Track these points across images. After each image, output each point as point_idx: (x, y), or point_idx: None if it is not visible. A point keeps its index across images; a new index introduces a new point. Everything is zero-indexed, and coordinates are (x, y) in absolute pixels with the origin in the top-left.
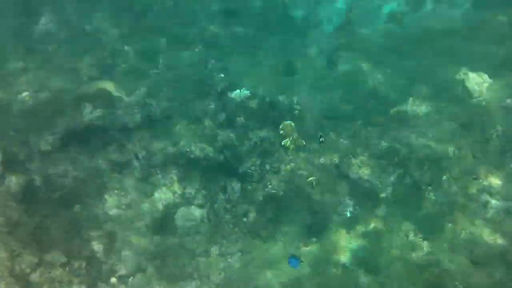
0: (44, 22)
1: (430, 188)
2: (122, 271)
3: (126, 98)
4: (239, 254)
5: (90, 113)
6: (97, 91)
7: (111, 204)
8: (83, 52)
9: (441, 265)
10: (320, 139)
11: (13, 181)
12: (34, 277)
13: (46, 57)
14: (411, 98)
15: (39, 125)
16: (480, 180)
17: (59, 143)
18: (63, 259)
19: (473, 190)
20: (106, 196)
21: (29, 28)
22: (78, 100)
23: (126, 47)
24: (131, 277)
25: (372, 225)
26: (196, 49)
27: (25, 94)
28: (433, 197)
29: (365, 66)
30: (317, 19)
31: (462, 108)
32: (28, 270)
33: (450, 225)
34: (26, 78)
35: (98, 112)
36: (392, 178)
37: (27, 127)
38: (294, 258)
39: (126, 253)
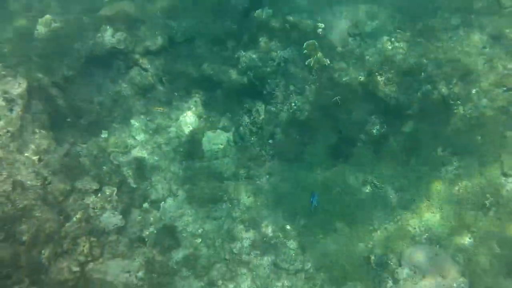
0: None
1: (459, 102)
2: (154, 196)
3: (146, 20)
4: (267, 176)
5: (111, 36)
6: (117, 13)
7: (138, 129)
8: None
9: (471, 179)
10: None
11: (40, 107)
12: (68, 204)
13: None
14: (439, 11)
15: (61, 50)
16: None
17: (82, 68)
18: (95, 186)
19: (503, 102)
20: (133, 121)
21: None
22: (98, 23)
23: None
24: (163, 202)
25: (401, 143)
26: None
27: (46, 17)
28: (462, 112)
29: None
30: None
31: (492, 20)
32: (61, 198)
33: (479, 138)
34: (45, 2)
35: (119, 35)
36: (419, 94)
37: (49, 53)
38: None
39: (156, 178)
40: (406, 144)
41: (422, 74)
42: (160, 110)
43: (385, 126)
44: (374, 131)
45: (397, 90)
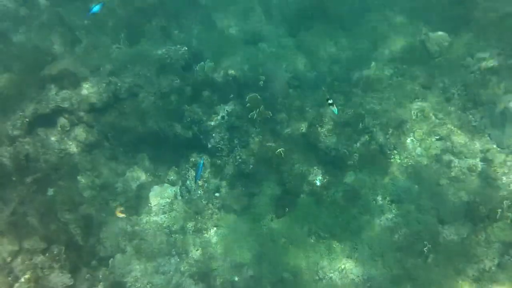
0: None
1: (395, 152)
2: (102, 253)
3: (90, 77)
4: (215, 229)
5: (55, 95)
6: (60, 72)
7: (85, 185)
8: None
9: (410, 226)
10: (328, 101)
11: None
12: (16, 264)
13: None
14: (373, 63)
15: (5, 110)
16: (443, 141)
17: (28, 126)
18: (43, 245)
19: (436, 151)
20: (79, 178)
21: None
22: (42, 82)
23: (86, 22)
24: (111, 258)
25: (341, 193)
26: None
27: None
28: (398, 161)
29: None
30: None
31: (423, 69)
32: (9, 259)
33: (416, 186)
34: None
35: (63, 94)
36: (358, 145)
37: None
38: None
39: (104, 234)
40: (347, 194)
41: (360, 125)
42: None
43: (327, 177)
44: (317, 181)
45: (337, 141)
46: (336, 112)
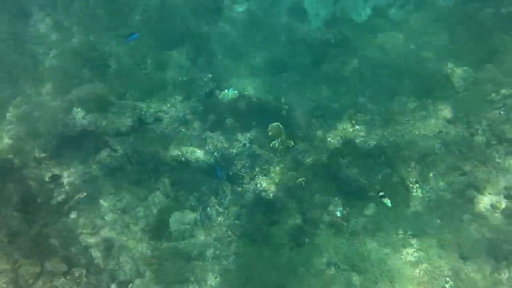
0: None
1: (417, 185)
2: (122, 277)
3: (117, 102)
4: (234, 256)
5: (82, 118)
6: (88, 95)
7: (107, 209)
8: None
9: (431, 261)
10: (380, 194)
11: (11, 188)
12: (37, 286)
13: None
14: (397, 96)
15: (33, 132)
16: (466, 176)
17: (53, 149)
18: (64, 268)
19: (460, 186)
20: (101, 201)
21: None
22: (69, 105)
23: (115, 48)
24: (131, 283)
25: (362, 225)
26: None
27: (17, 99)
28: (420, 195)
29: (352, 62)
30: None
31: (447, 104)
32: (31, 281)
33: (438, 221)
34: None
35: (90, 117)
36: (379, 177)
37: (21, 135)
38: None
39: (124, 258)
40: (368, 226)
41: (382, 157)
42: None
43: (347, 208)
44: (337, 212)
45: (358, 172)
46: (389, 204)
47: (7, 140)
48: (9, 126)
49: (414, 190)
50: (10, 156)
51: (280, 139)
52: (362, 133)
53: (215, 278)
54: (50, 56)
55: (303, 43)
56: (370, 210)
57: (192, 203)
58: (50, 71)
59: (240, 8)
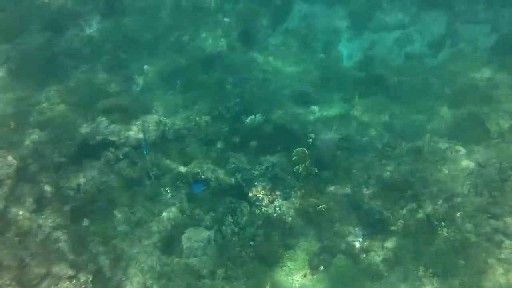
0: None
1: (443, 224)
2: None
3: (141, 116)
4: (245, 278)
5: (105, 128)
6: (113, 107)
7: (120, 220)
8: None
9: None
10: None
11: (26, 190)
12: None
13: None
14: (428, 135)
15: (54, 137)
16: (495, 220)
17: (73, 155)
18: (71, 272)
19: (487, 229)
20: (116, 212)
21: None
22: (94, 114)
23: (146, 66)
24: None
25: (381, 257)
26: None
27: (42, 105)
28: (446, 234)
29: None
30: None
31: (480, 148)
32: (35, 281)
33: (462, 262)
34: (47, 90)
35: (113, 127)
36: (404, 211)
37: (43, 139)
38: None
39: (132, 270)
40: (387, 259)
41: (408, 192)
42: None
43: (367, 239)
44: (357, 243)
45: (382, 204)
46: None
47: (27, 143)
48: (31, 130)
49: (439, 229)
50: (30, 159)
51: (304, 164)
52: (389, 168)
53: None
54: (79, 71)
55: (335, 79)
56: (391, 243)
57: (208, 222)
58: (78, 82)
59: (274, 41)
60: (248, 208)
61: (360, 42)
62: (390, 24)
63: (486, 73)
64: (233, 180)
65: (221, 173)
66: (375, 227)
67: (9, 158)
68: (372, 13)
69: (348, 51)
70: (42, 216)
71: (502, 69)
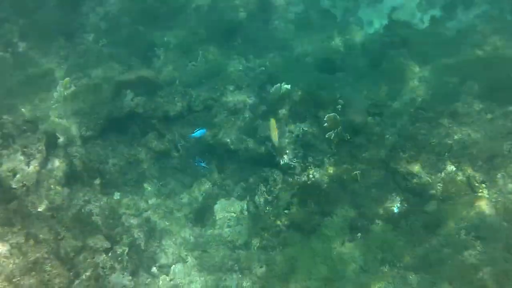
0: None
1: (483, 186)
2: (163, 261)
3: (166, 87)
4: (281, 247)
5: (130, 100)
6: (137, 79)
7: (151, 193)
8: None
9: (496, 265)
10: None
11: (56, 164)
12: (78, 261)
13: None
14: (462, 95)
15: (80, 110)
16: None
17: (100, 129)
18: (106, 245)
19: None
20: (145, 185)
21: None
22: (119, 87)
23: (166, 38)
24: (172, 267)
25: (420, 223)
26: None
27: (66, 80)
28: (487, 196)
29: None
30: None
31: None
32: (72, 254)
33: (505, 224)
34: (67, 65)
35: (138, 100)
36: (442, 174)
37: (68, 113)
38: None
39: (166, 242)
40: (428, 224)
41: (446, 154)
42: None
43: (406, 205)
44: (395, 208)
45: (420, 168)
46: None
47: (53, 118)
48: (56, 105)
49: (480, 191)
50: (57, 133)
51: (336, 130)
52: (423, 131)
53: (260, 267)
54: (100, 44)
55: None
56: (431, 207)
57: (240, 192)
58: (100, 56)
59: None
60: (281, 176)
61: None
62: None
63: None
64: (263, 148)
65: (250, 142)
66: (414, 192)
67: (38, 131)
68: None
69: (368, 18)
70: (73, 190)
71: None
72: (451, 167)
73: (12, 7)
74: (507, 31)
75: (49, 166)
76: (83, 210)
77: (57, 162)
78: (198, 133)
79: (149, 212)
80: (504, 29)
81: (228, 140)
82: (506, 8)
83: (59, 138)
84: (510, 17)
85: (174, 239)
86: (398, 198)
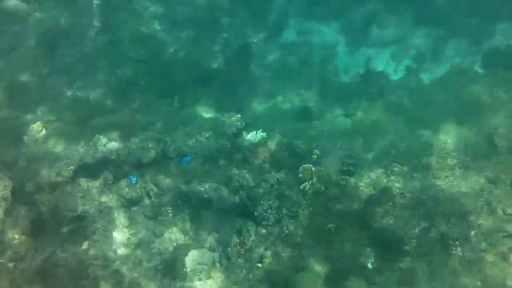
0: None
1: (457, 243)
2: None
3: (140, 133)
4: None
5: (103, 146)
6: (111, 124)
7: (120, 242)
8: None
9: None
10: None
11: (22, 212)
12: None
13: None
14: (436, 149)
15: (51, 156)
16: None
17: (71, 175)
18: None
19: (503, 248)
20: (115, 234)
21: None
22: (92, 132)
23: (142, 82)
24: None
25: (395, 279)
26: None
27: (38, 123)
28: (460, 253)
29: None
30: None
31: (489, 164)
32: None
33: (478, 283)
34: (40, 109)
35: (112, 145)
36: (417, 230)
37: (38, 158)
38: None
39: None
40: (402, 281)
41: (420, 210)
42: None
43: (380, 260)
44: (369, 264)
45: (394, 223)
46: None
47: (21, 163)
48: (25, 150)
49: (454, 248)
50: (24, 180)
51: (311, 181)
52: (398, 185)
53: None
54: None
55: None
56: (405, 263)
57: (212, 242)
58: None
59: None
60: (255, 228)
61: (357, 57)
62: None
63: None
64: (237, 198)
65: (224, 192)
66: (388, 247)
67: (4, 178)
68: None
69: (344, 65)
70: (40, 240)
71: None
72: (425, 223)
73: None
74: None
75: (15, 213)
76: (48, 261)
77: (23, 210)
78: (184, 160)
79: (117, 263)
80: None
81: (202, 188)
82: None
83: (26, 184)
84: None
85: None
86: (372, 254)
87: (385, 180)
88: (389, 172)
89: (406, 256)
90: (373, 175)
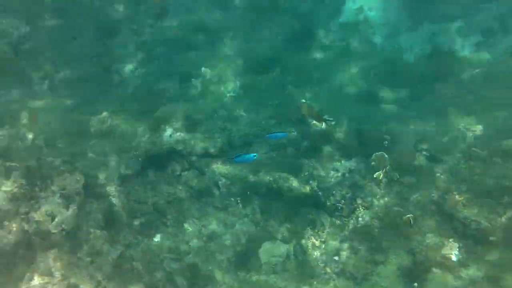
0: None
1: None
2: None
3: (206, 122)
4: None
5: (169, 137)
6: (176, 114)
7: (191, 234)
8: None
9: None
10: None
11: (95, 206)
12: None
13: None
14: None
15: (118, 148)
16: None
17: (139, 167)
18: None
19: None
20: (186, 226)
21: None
22: (157, 123)
23: (203, 69)
24: None
25: (482, 273)
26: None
27: (103, 115)
28: None
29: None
30: None
31: None
32: None
33: None
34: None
35: (177, 136)
36: (503, 220)
37: (106, 150)
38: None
39: None
40: (489, 274)
41: (505, 197)
42: None
43: (465, 252)
44: (453, 257)
45: (478, 212)
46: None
47: (91, 155)
48: (92, 142)
49: None
50: (95, 172)
51: (384, 170)
52: (478, 170)
53: None
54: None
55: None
56: (492, 255)
57: (285, 234)
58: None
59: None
60: (328, 219)
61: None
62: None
63: None
64: (308, 188)
65: (294, 182)
66: (473, 238)
67: (76, 172)
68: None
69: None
70: (114, 234)
71: None
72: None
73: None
74: None
75: (88, 208)
76: (123, 255)
77: (95, 204)
78: (279, 135)
79: (190, 255)
80: None
81: (271, 178)
82: None
83: (97, 176)
84: None
85: (219, 286)
86: (456, 245)
87: (463, 167)
88: (467, 157)
89: (493, 247)
90: (450, 161)
